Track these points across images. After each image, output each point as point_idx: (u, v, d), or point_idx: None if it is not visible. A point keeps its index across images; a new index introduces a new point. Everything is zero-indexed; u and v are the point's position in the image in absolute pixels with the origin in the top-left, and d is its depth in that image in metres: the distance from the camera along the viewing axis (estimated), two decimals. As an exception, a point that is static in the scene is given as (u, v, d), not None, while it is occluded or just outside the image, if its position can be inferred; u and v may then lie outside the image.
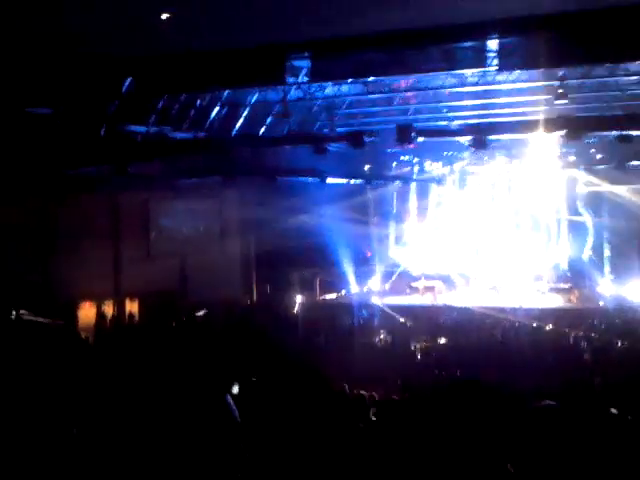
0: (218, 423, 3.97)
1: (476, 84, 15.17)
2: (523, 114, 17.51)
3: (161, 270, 18.45)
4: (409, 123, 15.54)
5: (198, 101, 15.66)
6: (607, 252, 22.55)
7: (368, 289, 23.67)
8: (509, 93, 16.09)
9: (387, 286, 24.28)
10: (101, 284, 17.79)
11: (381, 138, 16.54)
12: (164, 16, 10.43)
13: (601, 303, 20.01)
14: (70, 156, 14.33)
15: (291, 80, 14.00)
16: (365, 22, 11.50)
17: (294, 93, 15.57)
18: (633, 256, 21.04)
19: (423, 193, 25.48)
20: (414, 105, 17.52)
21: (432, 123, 18.23)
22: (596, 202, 22.74)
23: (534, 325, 16.90)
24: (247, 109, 16.85)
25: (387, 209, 25.50)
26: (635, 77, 14.46)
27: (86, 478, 3.90)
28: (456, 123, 17.62)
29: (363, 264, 24.06)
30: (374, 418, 6.40)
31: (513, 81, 14.87)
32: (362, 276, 23.67)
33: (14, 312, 12.70)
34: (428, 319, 18.24)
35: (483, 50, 12.70)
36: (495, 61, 12.88)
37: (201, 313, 17.79)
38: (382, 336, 16.89)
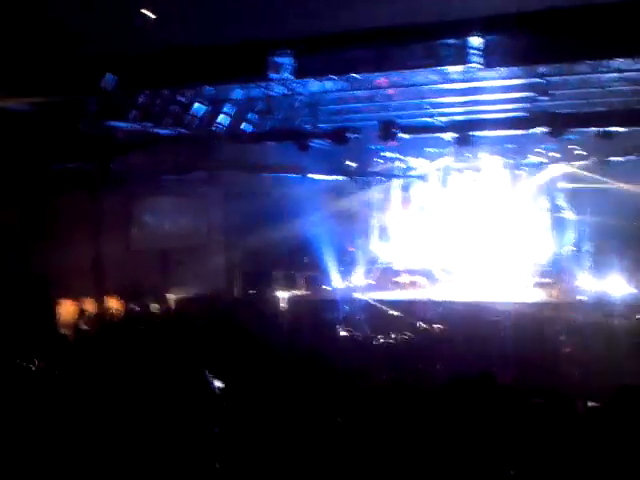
0: (198, 394, 4.05)
1: (459, 81, 15.19)
2: (506, 111, 17.60)
3: (143, 266, 18.35)
4: (392, 120, 15.57)
5: (180, 97, 15.55)
6: (588, 247, 22.76)
7: (351, 284, 23.71)
8: (492, 90, 16.13)
9: (370, 281, 24.33)
10: (81, 280, 17.65)
11: (364, 135, 16.57)
12: (145, 12, 10.35)
13: (582, 298, 20.20)
14: (50, 152, 14.19)
15: (274, 76, 13.94)
16: (349, 19, 11.50)
17: (277, 89, 15.50)
18: (614, 251, 21.24)
19: (406, 189, 25.53)
20: (397, 102, 17.50)
21: (415, 120, 18.24)
22: (577, 198, 22.93)
23: (516, 319, 17.01)
24: (230, 105, 16.76)
25: (370, 205, 25.52)
26: (616, 74, 14.55)
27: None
28: (439, 120, 17.67)
29: (346, 260, 24.09)
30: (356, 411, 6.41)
31: (496, 78, 14.92)
32: (345, 271, 23.70)
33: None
34: (410, 313, 18.30)
35: (466, 47, 12.72)
36: (478, 58, 12.91)
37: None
38: (365, 330, 16.91)
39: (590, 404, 6.72)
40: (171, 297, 19.03)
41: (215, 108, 16.61)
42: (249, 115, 17.47)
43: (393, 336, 15.49)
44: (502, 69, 14.20)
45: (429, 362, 13.15)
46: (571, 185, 22.87)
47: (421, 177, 24.85)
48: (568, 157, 21.52)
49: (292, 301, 20.52)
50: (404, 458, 4.68)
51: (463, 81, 15.01)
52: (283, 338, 15.83)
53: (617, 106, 15.89)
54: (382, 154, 23.92)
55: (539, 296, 21.03)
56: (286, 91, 15.57)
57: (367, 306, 19.65)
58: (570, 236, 23.30)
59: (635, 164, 18.94)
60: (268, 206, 19.94)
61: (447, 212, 24.89)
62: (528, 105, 16.68)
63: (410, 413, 5.58)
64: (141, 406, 4.28)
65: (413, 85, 15.88)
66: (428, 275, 23.35)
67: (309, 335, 16.45)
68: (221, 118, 16.91)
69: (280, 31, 12.24)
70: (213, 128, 16.80)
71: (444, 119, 17.65)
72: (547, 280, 22.29)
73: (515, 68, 14.23)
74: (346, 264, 23.91)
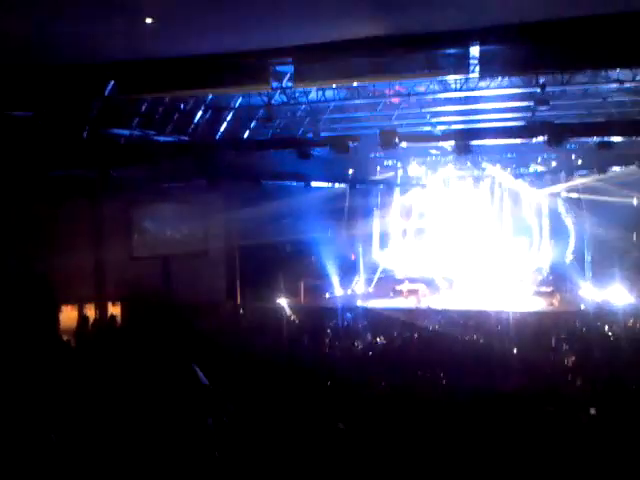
0: (188, 385, 4.14)
1: (460, 90, 15.27)
2: (506, 120, 17.68)
3: (144, 273, 18.37)
4: (392, 128, 15.64)
5: (182, 105, 15.63)
6: (588, 256, 22.77)
7: (352, 292, 23.73)
8: (492, 99, 16.22)
9: (371, 289, 24.35)
10: (83, 286, 17.70)
11: (365, 143, 16.63)
12: (148, 20, 10.42)
13: (582, 307, 20.18)
14: (53, 159, 14.25)
15: (275, 85, 14.03)
16: (349, 28, 11.57)
17: (278, 97, 15.59)
18: (614, 260, 21.24)
19: (407, 197, 25.57)
20: (398, 111, 17.59)
21: (416, 129, 18.32)
22: (578, 207, 22.95)
23: (516, 327, 17.00)
24: (231, 113, 16.85)
25: (371, 213, 25.57)
26: (615, 84, 14.63)
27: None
28: (439, 129, 17.74)
29: (347, 268, 24.11)
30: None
31: (496, 87, 15.00)
32: (346, 279, 23.72)
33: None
34: (410, 321, 18.30)
35: (465, 57, 12.80)
36: (477, 68, 12.99)
37: None
38: (366, 337, 16.92)
39: (592, 411, 6.74)
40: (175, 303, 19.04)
41: (216, 116, 16.70)
42: (250, 123, 17.54)
43: (384, 341, 15.55)
44: (502, 78, 14.29)
45: (428, 369, 13.16)
46: (571, 194, 22.90)
47: (422, 185, 24.90)
48: (568, 166, 21.56)
49: (293, 309, 20.53)
50: (408, 464, 4.72)
51: (463, 90, 15.09)
52: (284, 345, 15.87)
53: (616, 116, 15.96)
54: (383, 162, 24.03)
55: (539, 305, 21.02)
56: (287, 99, 15.65)
57: (368, 314, 19.66)
58: (570, 245, 23.33)
59: (634, 174, 18.97)
60: (269, 213, 19.98)
61: (448, 220, 24.94)
62: (528, 114, 16.76)
63: (418, 421, 5.61)
64: (139, 403, 4.37)
65: (414, 94, 15.97)
66: (429, 283, 23.37)
67: (310, 342, 16.48)
68: (222, 126, 16.99)
69: (281, 40, 12.32)
70: (214, 136, 16.88)
71: (444, 128, 17.73)
72: (547, 289, 22.31)
73: (515, 78, 14.32)
74: (347, 272, 23.94)
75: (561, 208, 23.47)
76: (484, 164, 23.47)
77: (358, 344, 16.54)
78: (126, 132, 15.02)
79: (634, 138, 15.16)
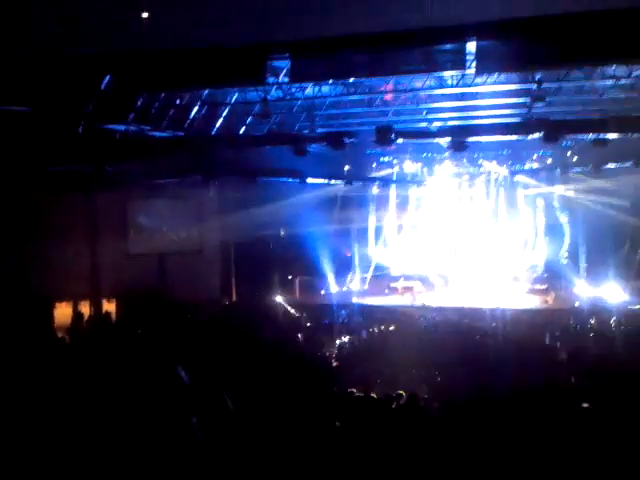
0: (170, 386, 4.15)
1: (456, 86, 15.27)
2: (502, 116, 17.68)
3: (139, 269, 18.32)
4: (389, 124, 15.63)
5: (178, 100, 15.58)
6: (583, 254, 22.84)
7: (347, 289, 23.74)
8: (488, 96, 16.22)
9: (366, 286, 24.36)
10: (78, 282, 17.64)
11: (361, 139, 16.61)
12: (144, 14, 10.40)
13: (577, 304, 20.25)
14: (48, 154, 14.18)
15: (271, 80, 14.01)
16: (346, 23, 11.57)
17: (274, 93, 15.56)
18: (608, 258, 21.31)
19: (403, 194, 25.58)
20: (394, 107, 17.58)
21: (412, 125, 18.31)
22: (572, 204, 23.00)
23: (511, 325, 17.05)
24: (227, 108, 16.80)
25: (367, 210, 25.57)
26: (611, 81, 14.66)
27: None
28: (435, 125, 17.74)
29: (342, 264, 24.11)
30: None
31: (492, 83, 15.00)
32: (341, 276, 23.73)
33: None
34: (405, 318, 18.34)
35: (462, 53, 12.82)
36: (473, 64, 13.00)
37: None
38: (362, 335, 16.95)
39: (585, 405, 6.77)
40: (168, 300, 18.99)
41: (212, 111, 16.65)
42: (246, 119, 17.50)
43: (379, 338, 15.55)
44: (498, 75, 14.30)
45: (422, 367, 13.18)
46: (566, 192, 22.94)
47: (418, 182, 24.92)
48: (563, 163, 21.60)
49: (288, 305, 20.53)
50: (405, 463, 4.72)
51: (459, 86, 15.10)
52: (279, 342, 15.87)
53: (612, 113, 15.99)
54: (379, 159, 24.02)
55: (534, 302, 21.09)
56: (283, 95, 15.62)
57: (363, 311, 19.68)
58: (565, 242, 23.39)
59: (629, 171, 19.02)
60: (264, 210, 19.96)
61: (443, 217, 24.96)
62: (523, 111, 16.77)
63: (414, 420, 5.60)
64: (123, 400, 4.37)
65: (410, 90, 15.96)
66: (424, 281, 23.41)
67: (305, 339, 16.49)
68: (218, 122, 16.94)
69: (278, 35, 12.31)
70: (210, 131, 16.83)
71: (440, 124, 17.72)
72: (542, 286, 22.37)
73: (511, 74, 14.32)
74: (343, 269, 23.95)
75: (555, 205, 23.52)
76: (480, 161, 23.50)
77: (353, 341, 16.59)
78: (122, 127, 14.95)
79: (630, 135, 15.18)
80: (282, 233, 21.39)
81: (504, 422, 5.63)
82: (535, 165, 23.08)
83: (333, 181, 21.93)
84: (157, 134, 15.70)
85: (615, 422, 5.41)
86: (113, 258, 18.18)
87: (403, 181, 25.04)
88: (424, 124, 17.96)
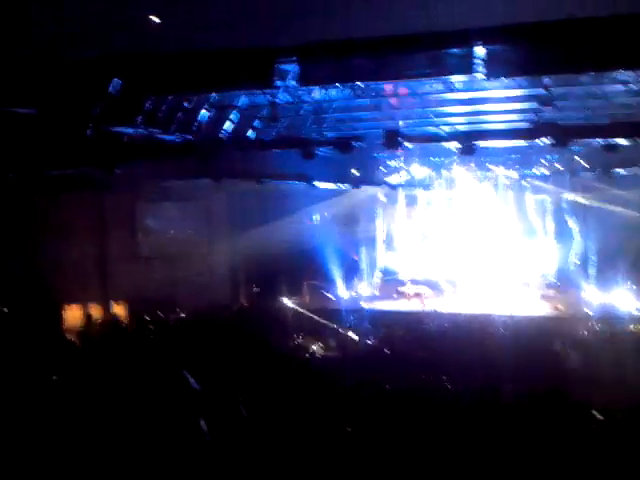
0: (178, 391, 4.15)
1: (464, 91, 15.21)
2: (510, 121, 17.59)
3: (147, 272, 18.40)
4: (397, 129, 15.59)
5: (185, 103, 15.62)
6: (594, 260, 22.64)
7: (356, 294, 23.68)
8: (496, 100, 16.14)
9: (375, 291, 24.29)
10: (86, 286, 17.74)
11: (369, 143, 16.58)
12: (152, 16, 10.44)
13: (588, 311, 20.07)
14: (56, 156, 14.27)
15: (279, 84, 14.00)
16: (354, 27, 11.57)
17: (282, 97, 15.55)
18: (619, 264, 21.12)
19: (411, 198, 25.51)
20: (402, 111, 17.52)
21: (420, 129, 18.26)
22: (583, 210, 22.84)
23: (522, 332, 16.91)
24: (235, 112, 16.83)
25: (375, 214, 25.52)
26: (621, 86, 14.54)
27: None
28: (444, 129, 17.67)
29: (351, 269, 24.07)
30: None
31: (500, 88, 14.93)
32: (350, 280, 23.68)
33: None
34: (414, 324, 18.25)
35: (470, 57, 12.75)
36: (482, 68, 12.93)
37: None
38: (370, 340, 16.90)
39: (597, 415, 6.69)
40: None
41: (220, 115, 16.68)
42: (254, 122, 17.52)
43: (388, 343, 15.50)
44: (506, 79, 14.21)
45: (431, 373, 13.09)
46: (576, 197, 22.78)
47: (426, 186, 24.83)
48: (573, 169, 21.45)
49: (297, 309, 20.49)
50: (414, 467, 4.69)
51: (467, 91, 15.03)
52: (288, 346, 15.86)
53: (622, 118, 15.86)
54: (387, 163, 23.95)
55: (545, 309, 20.92)
56: (291, 98, 15.62)
57: (372, 316, 19.60)
58: (576, 248, 23.20)
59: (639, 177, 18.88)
60: (273, 213, 19.99)
61: (452, 222, 24.84)
62: (532, 116, 16.66)
63: (423, 425, 5.56)
64: (133, 404, 4.36)
65: (418, 94, 15.92)
66: (433, 286, 23.30)
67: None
68: (226, 125, 16.97)
69: (285, 38, 12.32)
70: (218, 135, 16.86)
71: (448, 129, 17.65)
72: (552, 292, 22.20)
73: (519, 78, 14.24)
74: (351, 273, 23.90)
75: (566, 211, 23.35)
76: (488, 165, 23.37)
77: (362, 346, 16.53)
78: (130, 130, 15.02)
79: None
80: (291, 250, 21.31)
81: (513, 427, 5.57)
82: (544, 170, 22.92)
83: (341, 185, 21.91)
84: (166, 137, 15.75)
85: (623, 429, 5.35)
86: (122, 261, 18.29)
87: (411, 185, 24.97)
88: (433, 128, 17.90)
